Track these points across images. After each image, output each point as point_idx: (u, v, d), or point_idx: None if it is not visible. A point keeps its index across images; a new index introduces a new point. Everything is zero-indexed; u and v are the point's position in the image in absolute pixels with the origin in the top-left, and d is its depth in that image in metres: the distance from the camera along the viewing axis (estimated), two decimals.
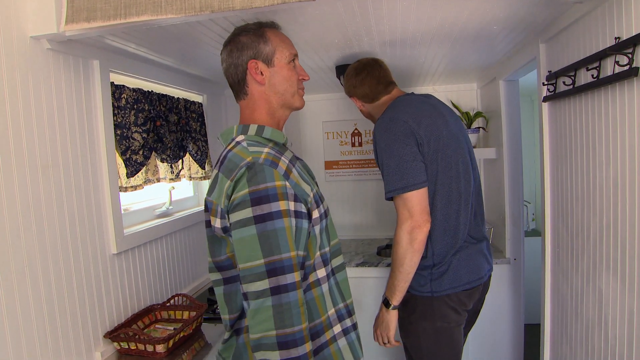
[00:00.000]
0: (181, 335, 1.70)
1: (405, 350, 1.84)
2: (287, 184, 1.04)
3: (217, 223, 1.09)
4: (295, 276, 1.01)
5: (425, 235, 1.56)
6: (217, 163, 1.17)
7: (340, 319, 1.21)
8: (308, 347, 1.01)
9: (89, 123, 1.62)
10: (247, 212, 1.00)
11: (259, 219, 0.99)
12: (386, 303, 1.66)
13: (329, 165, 3.26)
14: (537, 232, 3.80)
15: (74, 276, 1.51)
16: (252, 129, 1.19)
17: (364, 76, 1.80)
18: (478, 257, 1.71)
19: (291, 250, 1.02)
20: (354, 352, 1.23)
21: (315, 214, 1.13)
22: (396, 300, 1.63)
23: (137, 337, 1.62)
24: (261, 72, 1.20)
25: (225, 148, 1.17)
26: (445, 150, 1.62)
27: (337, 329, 1.20)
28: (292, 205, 1.04)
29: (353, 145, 3.19)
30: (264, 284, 0.99)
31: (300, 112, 3.30)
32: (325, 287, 1.17)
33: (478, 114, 2.88)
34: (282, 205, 1.01)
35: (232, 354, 1.16)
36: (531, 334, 3.17)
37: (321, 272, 1.17)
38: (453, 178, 1.63)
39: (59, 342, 1.43)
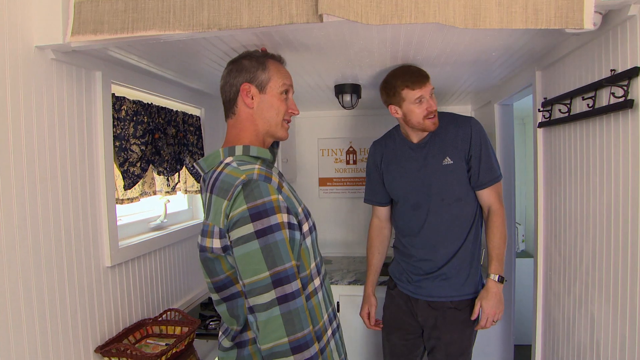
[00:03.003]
0: (174, 351, 1.68)
1: (447, 353, 1.91)
2: (281, 197, 1.10)
3: (215, 244, 1.11)
4: (298, 283, 1.07)
5: None
6: (206, 187, 1.18)
7: (330, 321, 1.28)
8: (317, 347, 1.08)
9: (88, 134, 1.62)
10: (248, 228, 1.04)
11: (260, 233, 1.04)
12: (501, 279, 1.85)
13: (323, 182, 3.27)
14: (527, 254, 3.84)
15: (67, 288, 1.49)
16: (239, 149, 1.24)
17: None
18: None
19: (292, 260, 1.07)
20: (339, 351, 1.31)
21: (306, 227, 1.20)
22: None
23: (128, 352, 1.59)
24: (252, 97, 1.27)
25: (215, 171, 1.19)
26: None
27: (329, 331, 1.26)
28: (286, 218, 1.09)
29: (347, 162, 3.22)
30: (270, 295, 1.03)
31: (296, 129, 3.32)
32: (320, 294, 1.24)
33: None
34: (279, 217, 1.06)
35: None
36: (521, 355, 3.19)
37: (317, 282, 1.23)
38: None
39: (49, 355, 1.40)
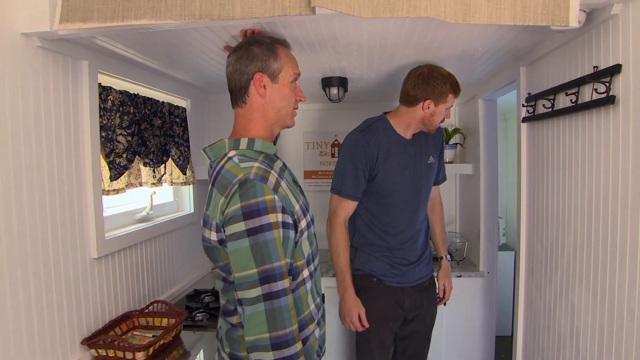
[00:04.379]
0: (161, 342, 1.68)
1: (426, 330, 2.12)
2: (276, 197, 1.11)
3: (212, 236, 1.16)
4: (286, 283, 1.10)
5: None
6: (210, 179, 1.22)
7: (317, 311, 1.33)
8: (299, 346, 1.10)
9: (75, 124, 1.60)
10: (240, 226, 1.07)
11: (251, 232, 1.07)
12: (448, 257, 2.19)
13: (308, 174, 3.28)
14: (508, 247, 3.92)
15: (54, 280, 1.48)
16: (243, 142, 1.24)
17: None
18: None
19: (281, 259, 1.09)
20: (321, 341, 1.36)
21: (303, 224, 1.22)
22: None
23: (116, 343, 1.59)
24: (264, 86, 1.26)
25: (218, 163, 1.21)
26: None
27: (315, 321, 1.30)
28: (280, 217, 1.10)
29: (333, 155, 3.23)
30: (257, 291, 1.07)
31: None
32: (309, 284, 1.28)
33: (456, 130, 2.98)
34: (272, 217, 1.08)
35: (226, 339, 1.26)
36: (502, 346, 3.27)
37: (306, 272, 1.26)
38: None
39: (35, 347, 1.39)
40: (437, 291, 2.15)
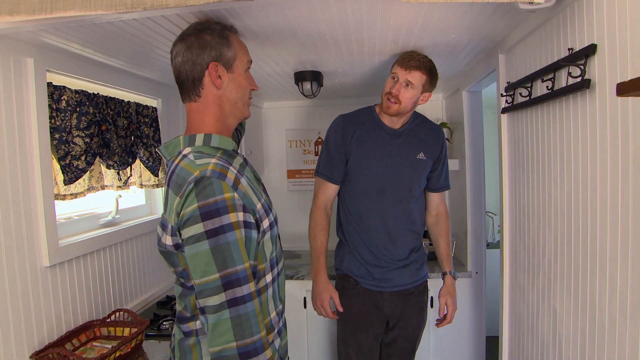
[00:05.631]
0: (117, 354, 1.58)
1: (410, 339, 2.00)
2: (236, 194, 1.02)
3: (167, 240, 1.07)
4: (251, 286, 1.02)
5: None
6: (166, 178, 1.13)
7: (278, 320, 1.23)
8: (269, 353, 1.03)
9: (19, 126, 1.50)
10: (198, 228, 0.98)
11: (210, 234, 0.98)
12: (454, 274, 2.02)
13: (291, 174, 3.18)
14: None
15: None
16: (199, 139, 1.14)
17: None
18: None
19: (245, 262, 1.01)
20: (283, 352, 1.26)
21: (265, 223, 1.13)
22: None
23: (66, 358, 1.49)
24: (219, 76, 1.16)
25: (173, 162, 1.12)
26: None
27: (275, 330, 1.21)
28: (241, 216, 1.02)
29: (316, 154, 3.12)
30: (220, 298, 0.98)
31: (263, 120, 3.21)
32: (270, 291, 1.18)
33: (443, 125, 2.86)
34: (232, 217, 1.00)
35: (178, 349, 1.17)
36: (493, 346, 3.14)
37: (268, 277, 1.17)
38: None
39: None
40: (427, 301, 2.05)
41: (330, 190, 1.97)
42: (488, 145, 2.69)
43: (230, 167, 1.08)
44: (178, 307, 1.19)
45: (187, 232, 1.00)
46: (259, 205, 1.10)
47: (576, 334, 1.26)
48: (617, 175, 1.03)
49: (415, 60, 1.74)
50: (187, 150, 1.12)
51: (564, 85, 1.26)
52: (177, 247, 1.06)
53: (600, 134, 1.10)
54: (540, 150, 1.46)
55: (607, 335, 1.09)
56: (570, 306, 1.29)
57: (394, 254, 1.91)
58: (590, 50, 1.11)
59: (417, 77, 1.74)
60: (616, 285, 1.05)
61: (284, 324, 1.31)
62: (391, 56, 1.91)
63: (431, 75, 1.78)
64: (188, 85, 1.17)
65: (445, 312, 1.98)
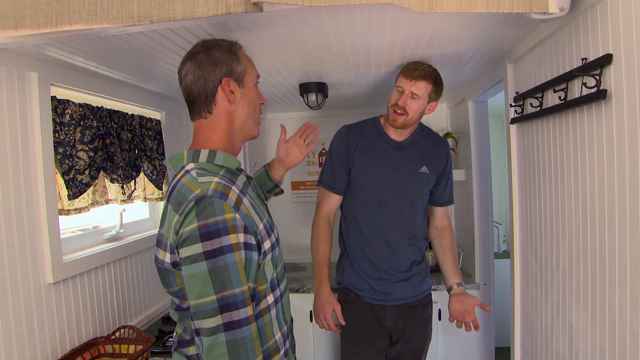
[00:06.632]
0: None
1: (415, 353, 1.95)
2: (237, 215, 1.00)
3: (166, 257, 1.05)
4: (248, 310, 0.99)
5: None
6: (167, 193, 1.11)
7: (284, 341, 1.20)
8: None
9: (23, 140, 1.48)
10: (196, 248, 0.96)
11: (209, 255, 0.96)
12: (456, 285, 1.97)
13: (295, 185, 3.15)
14: (508, 254, 3.75)
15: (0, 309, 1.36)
16: (204, 154, 1.12)
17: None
18: None
19: (243, 284, 0.99)
20: None
21: (267, 244, 1.10)
22: None
23: None
24: (232, 91, 1.14)
25: (175, 176, 1.10)
26: None
27: (282, 351, 1.17)
28: (242, 238, 1.00)
29: (320, 165, 3.10)
30: (216, 320, 0.96)
31: (266, 131, 3.19)
32: (273, 312, 1.15)
33: (447, 135, 2.84)
34: (232, 238, 0.98)
35: None
36: (502, 358, 3.09)
37: (270, 299, 1.14)
38: None
39: None
40: (431, 314, 2.01)
41: (333, 200, 1.94)
42: (492, 155, 2.66)
43: (233, 187, 1.06)
44: (178, 330, 1.16)
45: (185, 252, 0.97)
46: (261, 226, 1.08)
47: (594, 349, 1.23)
48: (636, 186, 1.01)
49: (420, 70, 1.72)
50: (190, 165, 1.10)
51: (577, 95, 1.24)
52: (175, 265, 1.04)
53: (617, 145, 1.08)
54: (552, 160, 1.44)
55: (629, 352, 1.06)
56: (587, 321, 1.26)
57: (394, 265, 1.88)
58: (606, 60, 1.09)
59: (422, 87, 1.73)
60: (638, 299, 1.02)
61: (292, 346, 1.27)
62: (397, 67, 1.91)
63: (437, 84, 1.77)
64: (200, 102, 1.15)
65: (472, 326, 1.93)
